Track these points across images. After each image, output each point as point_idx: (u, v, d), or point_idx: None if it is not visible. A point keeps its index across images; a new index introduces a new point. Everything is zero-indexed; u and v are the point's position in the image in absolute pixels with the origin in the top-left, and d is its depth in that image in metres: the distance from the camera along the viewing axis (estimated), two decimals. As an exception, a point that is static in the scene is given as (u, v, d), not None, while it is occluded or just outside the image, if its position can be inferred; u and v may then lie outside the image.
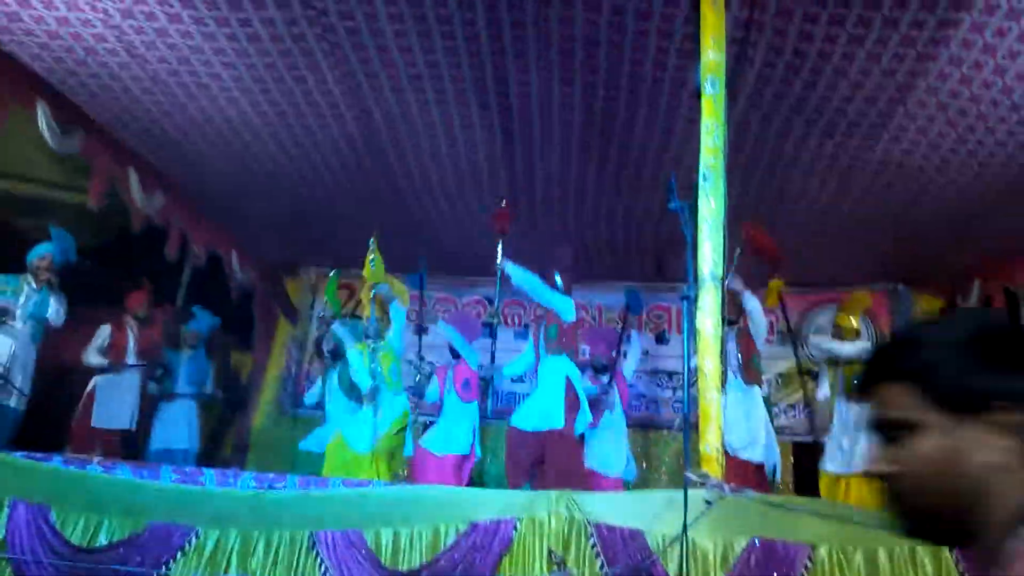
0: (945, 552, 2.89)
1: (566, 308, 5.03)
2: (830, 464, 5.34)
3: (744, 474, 4.66)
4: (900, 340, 0.98)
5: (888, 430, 0.94)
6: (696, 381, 3.05)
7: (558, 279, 5.17)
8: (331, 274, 6.61)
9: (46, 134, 4.85)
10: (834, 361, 5.64)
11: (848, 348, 5.78)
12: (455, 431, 5.66)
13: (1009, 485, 0.88)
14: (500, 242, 5.21)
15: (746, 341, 5.12)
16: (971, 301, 6.75)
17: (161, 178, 6.09)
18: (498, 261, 5.11)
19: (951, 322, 0.98)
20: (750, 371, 5.09)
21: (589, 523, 2.96)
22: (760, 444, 4.96)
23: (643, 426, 7.47)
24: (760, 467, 4.96)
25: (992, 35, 3.83)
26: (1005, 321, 0.94)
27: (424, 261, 6.22)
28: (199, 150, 5.67)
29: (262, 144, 5.52)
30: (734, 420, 4.76)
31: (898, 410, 0.93)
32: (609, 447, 5.48)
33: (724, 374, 3.71)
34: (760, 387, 5.19)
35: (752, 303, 5.01)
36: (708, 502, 2.74)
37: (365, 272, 5.29)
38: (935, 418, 0.90)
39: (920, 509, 0.92)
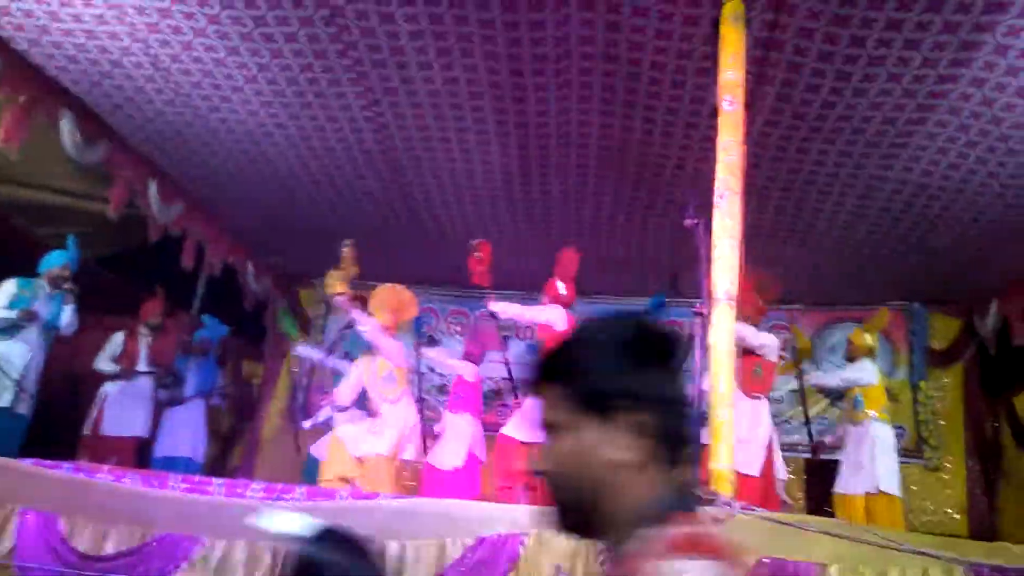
0: (958, 572, 2.84)
1: (555, 318, 5.06)
2: (841, 484, 5.31)
3: (755, 492, 4.58)
4: (563, 341, 1.01)
5: (545, 429, 0.98)
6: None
7: (560, 286, 5.16)
8: (280, 310, 6.63)
9: (68, 144, 4.93)
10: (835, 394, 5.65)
11: (835, 380, 5.79)
12: (451, 445, 5.68)
13: (632, 484, 0.91)
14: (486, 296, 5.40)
15: (744, 355, 4.97)
16: (988, 321, 6.67)
17: (180, 189, 6.16)
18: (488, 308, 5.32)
19: (605, 324, 1.00)
20: (751, 383, 4.98)
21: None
22: (762, 460, 4.84)
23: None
24: (765, 481, 4.85)
25: (1016, 57, 3.80)
26: (656, 326, 0.97)
27: (422, 324, 6.48)
28: (219, 161, 5.73)
29: (281, 156, 5.57)
30: (741, 434, 4.69)
31: (550, 410, 0.97)
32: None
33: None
34: (763, 399, 5.04)
35: (740, 333, 4.96)
36: (717, 520, 2.71)
37: (327, 282, 5.27)
38: (575, 418, 0.94)
39: (562, 504, 0.97)
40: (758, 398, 5.00)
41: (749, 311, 4.98)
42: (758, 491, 4.71)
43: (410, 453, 5.19)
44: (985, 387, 7.20)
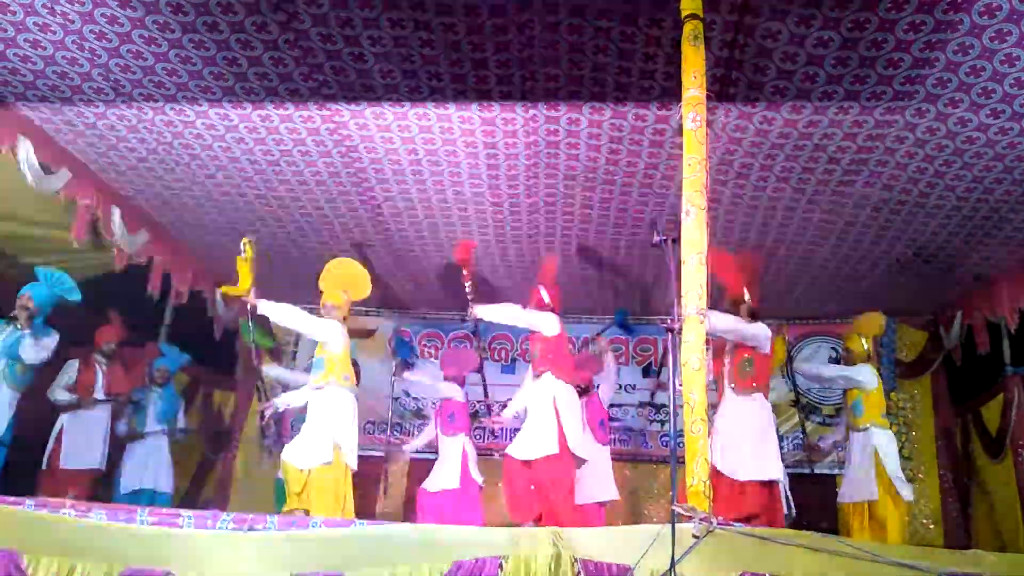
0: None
1: (546, 323, 4.89)
2: (848, 494, 5.21)
3: (754, 497, 4.38)
4: None
5: None
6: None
7: (544, 294, 5.03)
8: (242, 324, 5.95)
9: (27, 173, 4.84)
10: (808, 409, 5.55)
11: (831, 372, 5.72)
12: (445, 466, 5.61)
13: None
14: (467, 284, 5.10)
15: (723, 352, 4.78)
16: (953, 332, 6.80)
17: (144, 216, 6.08)
18: (468, 312, 4.93)
19: None
20: (741, 379, 4.66)
21: (576, 559, 2.91)
22: (768, 459, 4.50)
23: (631, 459, 7.41)
24: (771, 486, 4.51)
25: (966, 74, 3.92)
26: None
27: (405, 347, 6.55)
28: (184, 187, 5.67)
29: (248, 181, 5.53)
30: (733, 438, 4.48)
31: None
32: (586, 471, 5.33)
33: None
34: (758, 397, 4.63)
35: (711, 322, 4.56)
36: (696, 536, 2.70)
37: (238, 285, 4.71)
38: None
39: None
40: (750, 395, 4.63)
41: (733, 294, 4.78)
42: (766, 498, 4.44)
43: (348, 450, 4.44)
44: (953, 397, 7.32)
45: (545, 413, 4.66)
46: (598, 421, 5.65)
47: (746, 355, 4.68)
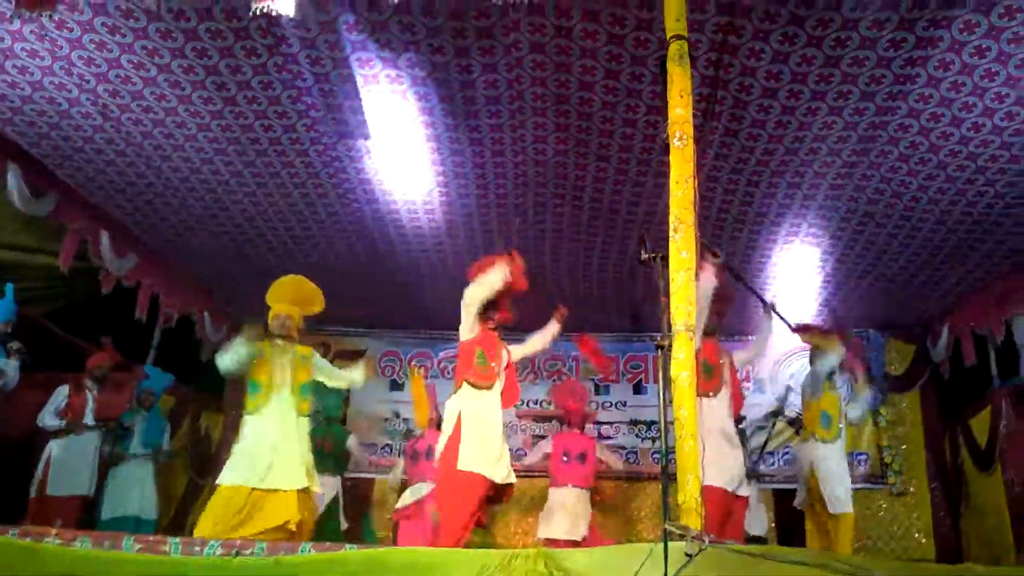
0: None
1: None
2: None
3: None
4: None
5: None
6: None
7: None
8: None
9: (15, 197, 4.82)
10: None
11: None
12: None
13: None
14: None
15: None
16: (940, 346, 6.84)
17: (133, 239, 6.06)
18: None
19: None
20: (703, 381, 4.21)
21: (568, 581, 2.88)
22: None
23: (624, 477, 7.39)
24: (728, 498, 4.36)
25: (948, 88, 3.98)
26: None
27: None
28: (173, 210, 5.66)
29: (237, 203, 5.53)
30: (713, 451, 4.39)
31: None
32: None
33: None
34: (712, 395, 4.45)
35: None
36: (688, 555, 2.68)
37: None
38: None
39: None
40: (706, 396, 4.37)
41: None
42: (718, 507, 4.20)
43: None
44: (942, 410, 7.35)
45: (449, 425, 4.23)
46: (574, 455, 5.69)
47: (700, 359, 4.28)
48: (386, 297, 7.16)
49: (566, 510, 5.62)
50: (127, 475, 6.01)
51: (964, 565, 3.38)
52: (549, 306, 4.80)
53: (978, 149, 4.44)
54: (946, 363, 6.92)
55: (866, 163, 4.72)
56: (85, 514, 5.67)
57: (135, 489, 5.99)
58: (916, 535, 7.09)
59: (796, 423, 6.15)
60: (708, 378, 4.49)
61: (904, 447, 7.39)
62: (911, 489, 7.23)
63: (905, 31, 3.62)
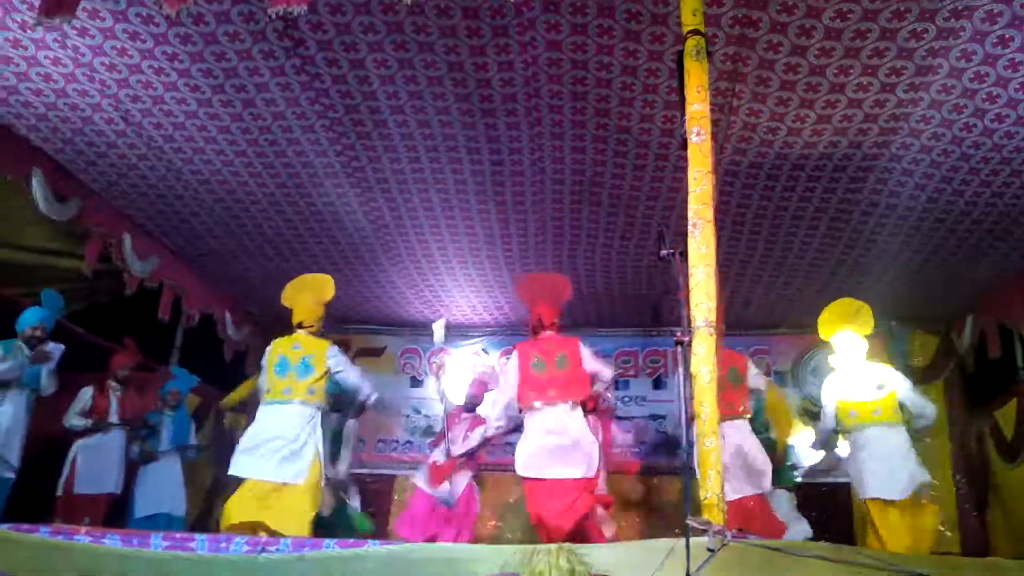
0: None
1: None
2: (873, 491, 4.80)
3: (745, 512, 4.38)
4: None
5: None
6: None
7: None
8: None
9: (40, 202, 4.90)
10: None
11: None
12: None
13: None
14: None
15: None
16: (965, 338, 6.76)
17: (155, 241, 6.14)
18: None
19: None
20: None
21: (591, 574, 2.89)
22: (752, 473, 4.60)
23: (644, 472, 7.38)
24: (759, 498, 4.60)
25: (970, 79, 3.92)
26: None
27: None
28: (194, 212, 5.73)
29: (257, 205, 5.58)
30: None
31: None
32: None
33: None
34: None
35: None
36: (711, 550, 2.68)
37: None
38: None
39: None
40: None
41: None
42: (757, 511, 4.47)
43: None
44: (967, 402, 7.26)
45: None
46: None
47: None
48: (405, 296, 7.20)
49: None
50: (157, 474, 6.12)
51: (992, 560, 3.34)
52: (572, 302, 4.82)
53: (1003, 140, 4.38)
54: (971, 355, 6.83)
55: (887, 155, 4.66)
56: (113, 511, 5.77)
57: (166, 488, 6.11)
58: (940, 528, 7.02)
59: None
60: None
61: (928, 440, 7.31)
62: (935, 481, 7.15)
63: (926, 22, 3.57)
